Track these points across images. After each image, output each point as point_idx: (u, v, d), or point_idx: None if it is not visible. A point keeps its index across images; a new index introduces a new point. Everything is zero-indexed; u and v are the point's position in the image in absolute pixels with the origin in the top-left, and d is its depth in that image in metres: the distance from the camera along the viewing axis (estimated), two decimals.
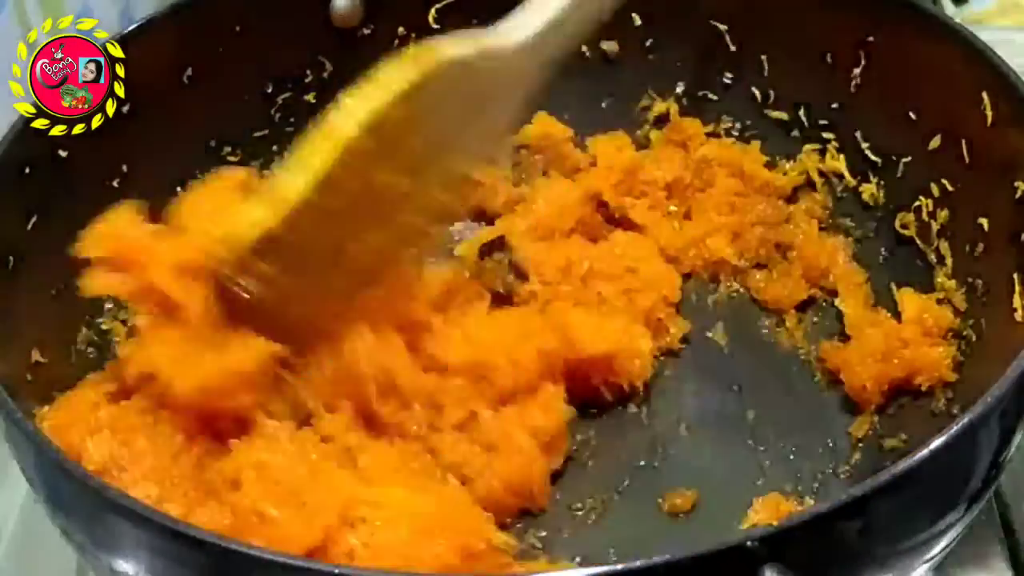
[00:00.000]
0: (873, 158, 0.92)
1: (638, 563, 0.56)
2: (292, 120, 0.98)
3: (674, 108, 1.00)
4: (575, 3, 0.79)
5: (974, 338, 0.81)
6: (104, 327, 0.87)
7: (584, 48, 1.00)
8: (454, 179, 0.82)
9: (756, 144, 0.98)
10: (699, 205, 0.96)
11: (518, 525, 0.80)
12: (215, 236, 0.74)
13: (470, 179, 0.88)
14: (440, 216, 0.84)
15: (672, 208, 0.97)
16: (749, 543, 0.56)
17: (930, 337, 0.83)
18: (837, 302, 0.91)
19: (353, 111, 0.73)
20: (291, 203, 0.73)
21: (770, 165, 0.97)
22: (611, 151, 0.99)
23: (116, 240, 0.76)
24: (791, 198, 0.97)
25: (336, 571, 0.57)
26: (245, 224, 0.74)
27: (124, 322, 0.86)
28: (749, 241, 0.95)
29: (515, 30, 0.78)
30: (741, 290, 0.95)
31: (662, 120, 1.01)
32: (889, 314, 0.87)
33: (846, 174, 0.94)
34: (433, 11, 0.98)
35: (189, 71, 0.91)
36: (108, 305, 0.87)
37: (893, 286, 0.88)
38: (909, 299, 0.86)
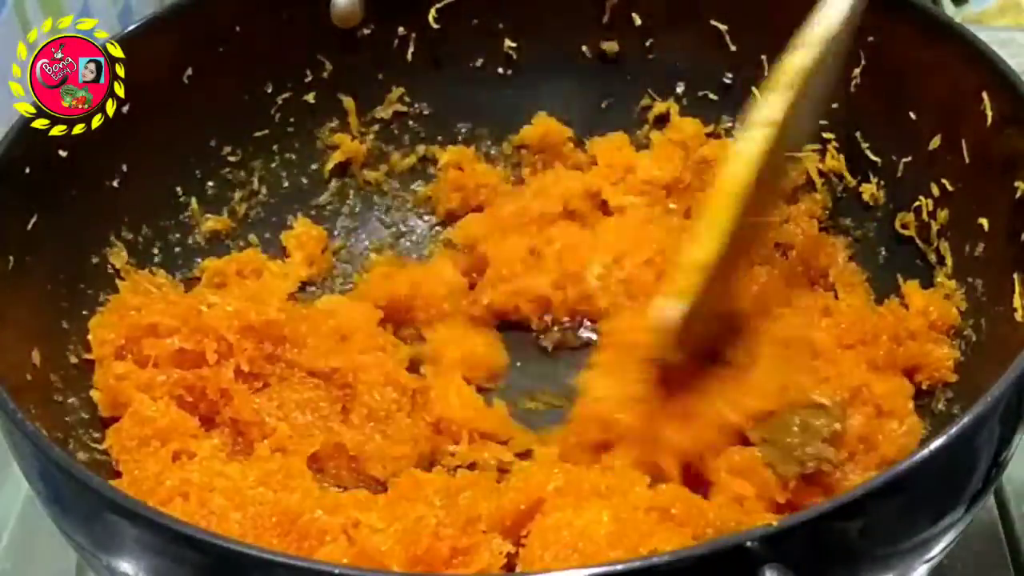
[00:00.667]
0: (873, 158, 0.92)
1: (637, 563, 0.56)
2: (292, 120, 0.98)
3: (674, 108, 1.00)
4: None
5: (974, 338, 0.81)
6: None
7: (584, 48, 1.00)
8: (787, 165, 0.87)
9: None
10: (699, 205, 0.96)
11: None
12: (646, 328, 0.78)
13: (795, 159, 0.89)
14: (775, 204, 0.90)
15: (672, 207, 0.97)
16: (749, 543, 0.56)
17: (935, 331, 0.83)
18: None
19: (742, 157, 0.76)
20: (706, 268, 0.75)
21: None
22: (611, 151, 0.99)
23: None
24: (791, 198, 0.96)
25: (336, 571, 0.57)
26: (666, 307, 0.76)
27: None
28: None
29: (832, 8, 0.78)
30: None
31: (662, 120, 1.01)
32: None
33: (846, 174, 0.94)
34: (433, 11, 0.98)
35: (189, 71, 0.91)
36: None
37: (899, 277, 0.88)
38: (915, 292, 0.85)
